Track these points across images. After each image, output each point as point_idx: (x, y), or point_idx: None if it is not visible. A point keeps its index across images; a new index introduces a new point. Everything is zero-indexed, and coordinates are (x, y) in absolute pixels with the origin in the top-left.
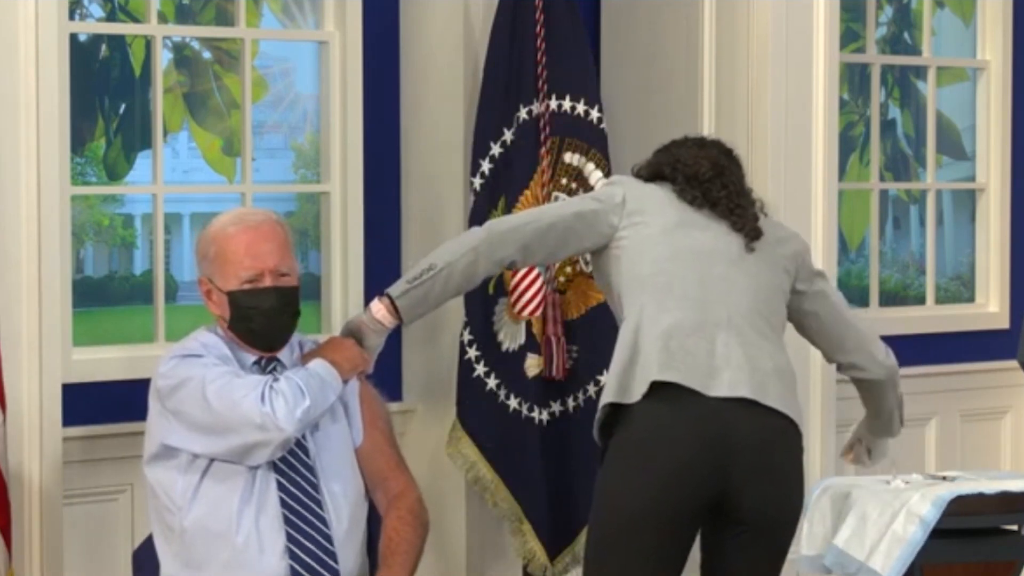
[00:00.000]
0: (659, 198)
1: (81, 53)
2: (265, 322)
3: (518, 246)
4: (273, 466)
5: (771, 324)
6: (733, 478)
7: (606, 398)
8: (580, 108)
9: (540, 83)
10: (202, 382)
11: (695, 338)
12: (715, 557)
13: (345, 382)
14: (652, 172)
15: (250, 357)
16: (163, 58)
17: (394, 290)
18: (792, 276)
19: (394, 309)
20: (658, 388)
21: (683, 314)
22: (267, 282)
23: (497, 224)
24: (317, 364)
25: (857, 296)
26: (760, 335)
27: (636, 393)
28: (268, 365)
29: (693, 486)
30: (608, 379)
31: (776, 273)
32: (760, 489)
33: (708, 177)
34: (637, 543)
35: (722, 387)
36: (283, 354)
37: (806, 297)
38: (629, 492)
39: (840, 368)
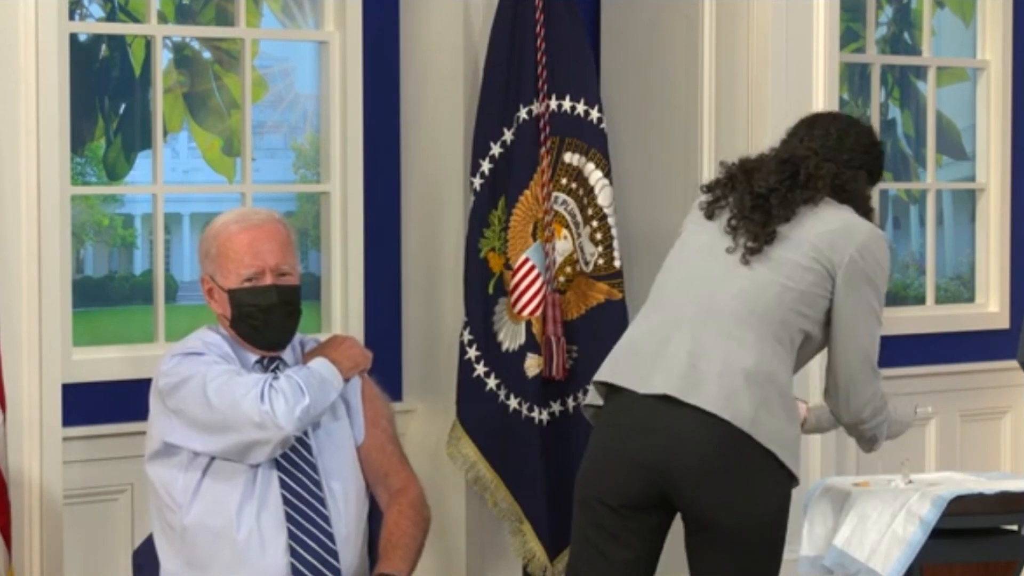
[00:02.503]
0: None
1: (81, 53)
2: (265, 320)
3: None
4: (275, 464)
5: (748, 324)
6: (661, 473)
7: (587, 401)
8: (580, 108)
9: (540, 83)
10: (203, 380)
11: (649, 337)
12: (689, 560)
13: (347, 380)
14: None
15: (252, 356)
16: (163, 58)
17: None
18: (822, 274)
19: None
20: (610, 391)
21: (653, 317)
22: (267, 280)
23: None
24: (318, 362)
25: None
26: (726, 335)
27: (591, 397)
28: (270, 364)
29: (617, 479)
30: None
31: (785, 271)
32: (696, 489)
33: (724, 182)
34: (579, 526)
35: (655, 384)
36: (285, 353)
37: (831, 301)
38: (576, 481)
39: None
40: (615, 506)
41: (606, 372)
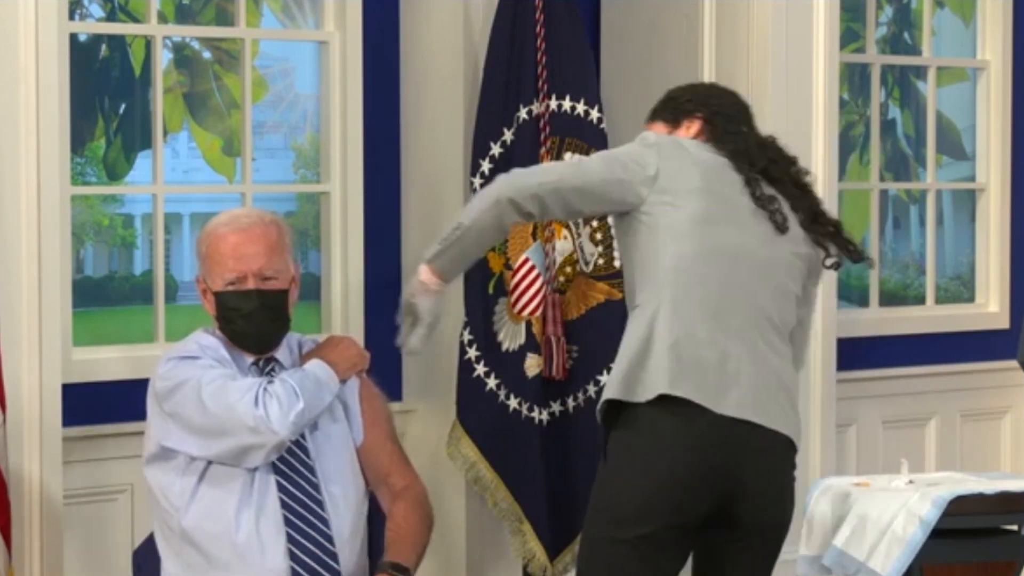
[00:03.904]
0: (694, 174)
1: (81, 53)
2: (245, 325)
3: (538, 205)
4: (273, 467)
5: (780, 333)
6: (731, 495)
7: (611, 393)
8: (580, 108)
9: (540, 83)
10: (198, 384)
11: (707, 349)
12: (710, 561)
13: (344, 381)
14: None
15: (248, 358)
16: (163, 58)
17: (428, 253)
18: (804, 276)
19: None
20: (666, 397)
21: (698, 322)
22: (249, 285)
23: (517, 180)
24: (314, 365)
25: (857, 296)
26: (770, 347)
27: (642, 396)
28: (266, 366)
29: (690, 500)
30: (614, 372)
31: (792, 276)
32: (757, 504)
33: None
34: (629, 546)
35: (730, 406)
36: (282, 355)
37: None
38: (628, 494)
39: None
40: (678, 526)
41: (671, 383)
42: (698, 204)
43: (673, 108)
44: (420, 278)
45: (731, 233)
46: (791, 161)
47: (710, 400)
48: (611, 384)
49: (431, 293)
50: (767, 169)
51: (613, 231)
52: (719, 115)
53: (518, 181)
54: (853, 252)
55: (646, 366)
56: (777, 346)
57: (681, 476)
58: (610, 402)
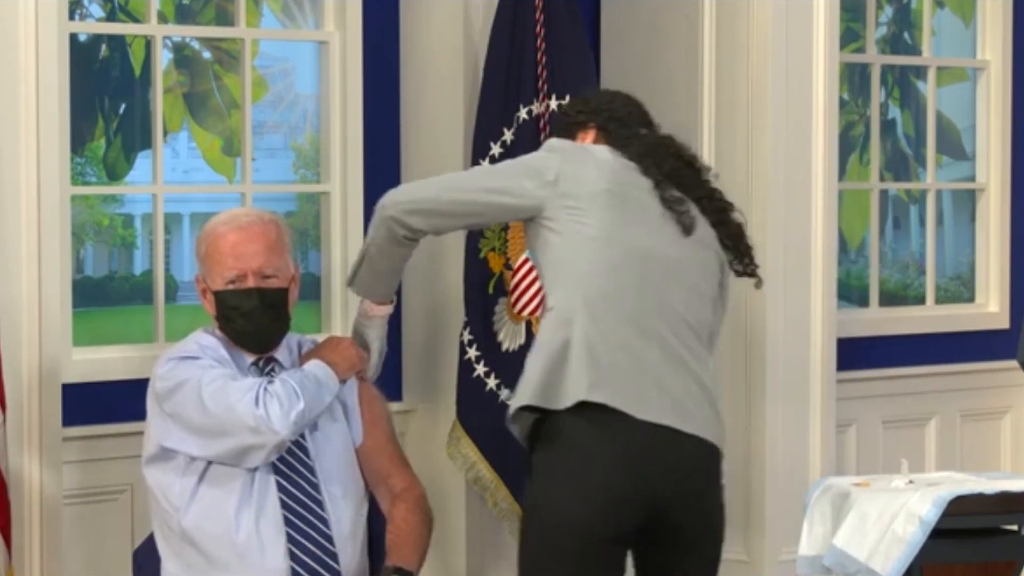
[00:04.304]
0: (599, 177)
1: (81, 53)
2: (246, 323)
3: (421, 219)
4: (273, 467)
5: (698, 336)
6: (662, 505)
7: (527, 399)
8: None
9: (540, 83)
10: (198, 384)
11: (625, 353)
12: (648, 572)
13: (343, 381)
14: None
15: (248, 358)
16: (163, 58)
17: (348, 279)
18: (718, 279)
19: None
20: (586, 403)
21: (616, 326)
22: (249, 283)
23: (396, 195)
24: (313, 365)
25: (857, 296)
26: (688, 350)
27: (561, 403)
28: (266, 366)
29: (621, 511)
30: (529, 376)
31: (706, 278)
32: (685, 512)
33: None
34: (567, 563)
35: (651, 411)
36: (281, 355)
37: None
38: (559, 515)
39: None
40: (612, 538)
41: (590, 389)
42: (606, 206)
43: (566, 123)
44: (361, 306)
45: (641, 235)
46: (691, 160)
47: (630, 406)
48: (526, 389)
49: (376, 318)
50: (674, 171)
51: (525, 234)
52: (612, 120)
53: (397, 196)
54: (747, 265)
55: (564, 372)
56: (696, 350)
57: (610, 492)
58: (529, 409)
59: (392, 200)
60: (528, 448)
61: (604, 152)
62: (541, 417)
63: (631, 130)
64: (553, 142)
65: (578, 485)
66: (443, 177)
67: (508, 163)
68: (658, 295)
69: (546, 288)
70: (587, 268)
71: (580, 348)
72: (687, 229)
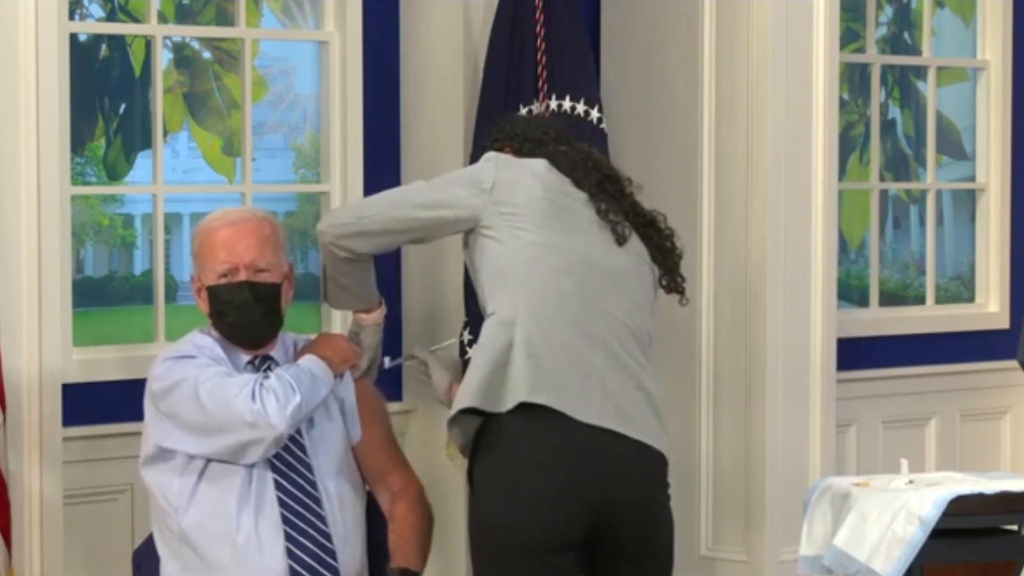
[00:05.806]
0: (535, 185)
1: (81, 53)
2: (238, 317)
3: (360, 241)
4: (270, 465)
5: (640, 343)
6: (601, 508)
7: (468, 401)
8: (580, 108)
9: (540, 83)
10: (195, 383)
11: (568, 356)
12: None
13: (339, 377)
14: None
15: (244, 357)
16: (163, 58)
17: (321, 295)
18: (652, 286)
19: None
20: (527, 405)
21: (558, 329)
22: (241, 276)
23: (331, 219)
24: (307, 360)
25: (857, 296)
26: (631, 356)
27: (502, 405)
28: (262, 365)
29: (561, 517)
30: (470, 380)
31: (642, 287)
32: (629, 518)
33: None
34: (513, 572)
35: (592, 414)
36: (277, 353)
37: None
38: (503, 523)
39: None
40: (559, 547)
41: (530, 391)
42: (543, 213)
43: (485, 152)
44: (354, 313)
45: (580, 243)
46: (613, 173)
47: (572, 408)
48: (467, 393)
49: (369, 326)
50: (600, 184)
51: (464, 251)
52: (527, 142)
53: (332, 220)
54: (675, 282)
55: (507, 372)
56: (638, 356)
57: (550, 498)
58: (471, 413)
59: (327, 226)
60: (470, 457)
61: (540, 164)
62: (483, 424)
63: (547, 148)
64: (490, 154)
65: (518, 492)
66: (382, 195)
67: (445, 176)
68: (600, 301)
69: (486, 295)
70: (528, 272)
71: (522, 350)
72: (620, 239)
